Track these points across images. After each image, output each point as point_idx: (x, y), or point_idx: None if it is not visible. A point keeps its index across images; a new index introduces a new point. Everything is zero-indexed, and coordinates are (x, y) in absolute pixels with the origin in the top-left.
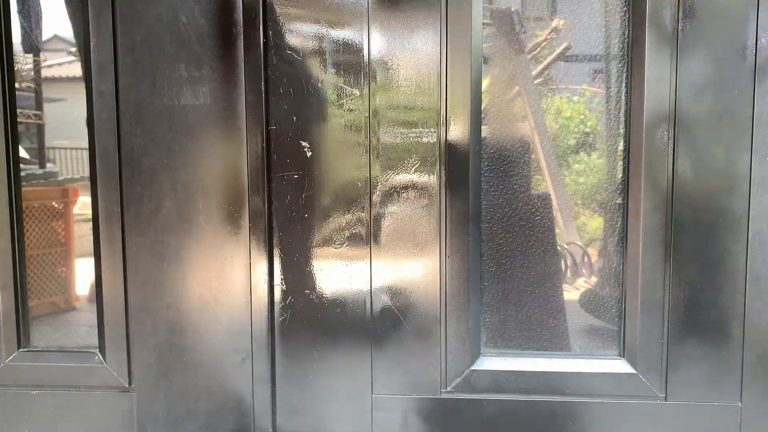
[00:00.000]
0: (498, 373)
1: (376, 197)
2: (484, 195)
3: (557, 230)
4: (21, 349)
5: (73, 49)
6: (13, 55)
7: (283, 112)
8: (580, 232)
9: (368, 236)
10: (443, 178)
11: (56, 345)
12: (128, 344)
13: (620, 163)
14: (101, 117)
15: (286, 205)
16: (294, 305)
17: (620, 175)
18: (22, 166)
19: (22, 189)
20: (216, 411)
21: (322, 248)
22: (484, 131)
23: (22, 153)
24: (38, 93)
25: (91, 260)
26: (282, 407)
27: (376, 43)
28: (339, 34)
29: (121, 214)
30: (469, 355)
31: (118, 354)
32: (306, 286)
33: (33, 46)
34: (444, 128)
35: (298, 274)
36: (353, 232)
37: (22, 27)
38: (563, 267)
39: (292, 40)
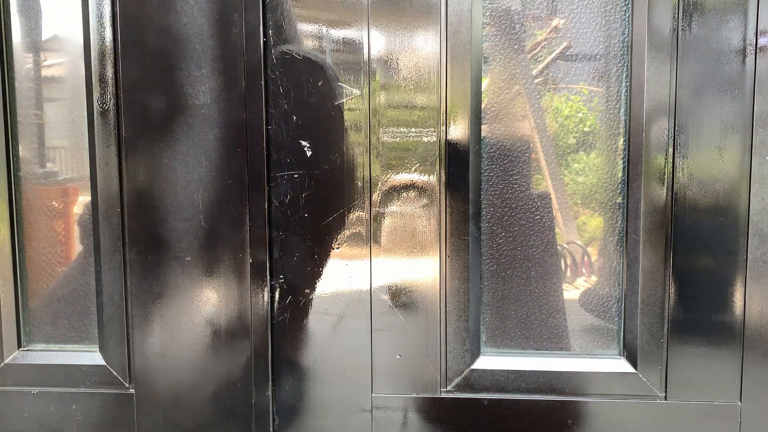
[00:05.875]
0: (498, 373)
1: (376, 197)
2: (484, 195)
3: (557, 230)
4: (21, 349)
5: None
6: (13, 55)
7: (283, 112)
8: (580, 231)
9: (368, 236)
10: (443, 178)
11: (56, 344)
12: (128, 344)
13: (620, 162)
14: (101, 116)
15: (286, 204)
16: (294, 305)
17: (620, 175)
18: (21, 166)
19: (22, 189)
20: (216, 411)
21: (322, 248)
22: (484, 131)
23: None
24: (38, 93)
25: (92, 259)
26: (282, 407)
27: (376, 42)
28: (339, 33)
29: (121, 213)
30: (469, 354)
31: (118, 354)
32: (306, 286)
33: (33, 46)
34: (444, 128)
35: (298, 274)
36: (353, 231)
37: (22, 27)
38: (563, 266)
39: (291, 39)
